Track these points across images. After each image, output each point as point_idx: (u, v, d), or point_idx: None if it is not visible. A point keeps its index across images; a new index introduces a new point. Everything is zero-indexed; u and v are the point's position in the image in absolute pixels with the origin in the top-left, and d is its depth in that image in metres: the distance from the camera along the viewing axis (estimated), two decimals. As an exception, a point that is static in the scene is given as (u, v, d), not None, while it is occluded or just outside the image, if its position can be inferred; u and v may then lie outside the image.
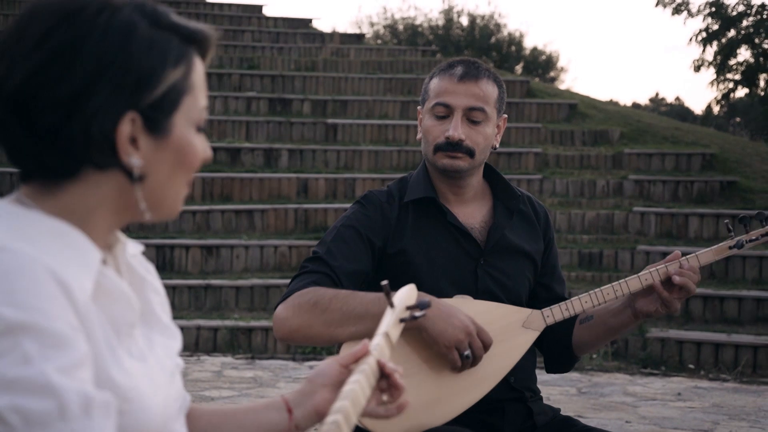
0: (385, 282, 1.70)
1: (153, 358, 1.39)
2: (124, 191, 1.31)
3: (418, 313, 1.74)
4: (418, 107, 2.68)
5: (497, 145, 2.65)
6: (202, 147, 1.38)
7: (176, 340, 1.49)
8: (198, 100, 1.37)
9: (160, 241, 8.69)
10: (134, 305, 1.35)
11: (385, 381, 1.59)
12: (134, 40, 1.28)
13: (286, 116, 11.39)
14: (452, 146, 2.55)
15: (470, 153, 2.55)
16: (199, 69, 1.37)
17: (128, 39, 1.28)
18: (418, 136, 2.66)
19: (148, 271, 1.49)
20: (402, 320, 1.72)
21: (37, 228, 1.26)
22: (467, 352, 2.37)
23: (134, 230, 8.95)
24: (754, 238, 2.59)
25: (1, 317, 1.14)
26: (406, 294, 1.79)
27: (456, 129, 2.54)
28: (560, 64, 32.57)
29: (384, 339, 1.62)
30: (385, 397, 1.60)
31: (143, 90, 1.28)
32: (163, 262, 8.56)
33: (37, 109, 1.25)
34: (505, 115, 2.68)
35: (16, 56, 1.25)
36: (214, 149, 10.34)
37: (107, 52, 1.26)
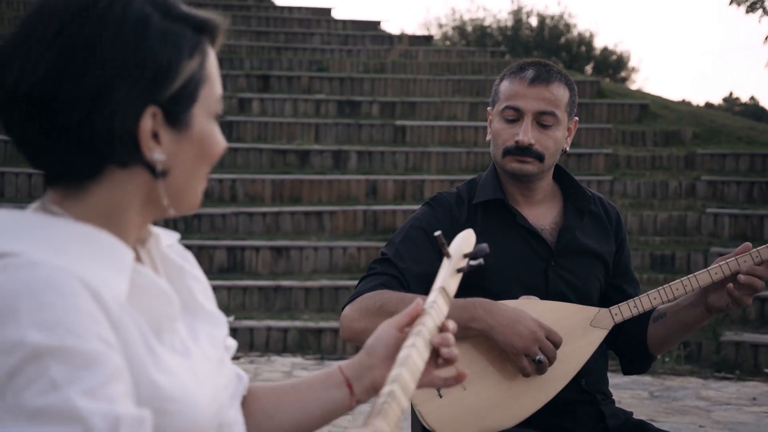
0: (438, 232, 1.66)
1: (198, 350, 1.37)
2: (149, 187, 1.30)
3: (474, 262, 1.67)
4: (488, 108, 2.67)
5: (568, 148, 2.63)
6: (220, 137, 1.37)
7: (221, 328, 1.47)
8: (214, 89, 1.35)
9: (231, 243, 8.78)
10: (173, 300, 1.33)
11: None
12: (149, 33, 1.26)
13: (354, 118, 11.43)
14: (521, 150, 2.53)
15: (539, 157, 2.53)
16: (212, 58, 1.35)
17: (143, 32, 1.26)
18: (488, 137, 2.64)
19: (186, 260, 1.47)
20: (459, 270, 1.65)
21: (65, 236, 1.24)
22: (539, 357, 2.35)
23: (205, 231, 9.06)
24: None
25: (28, 342, 1.11)
26: (463, 241, 1.71)
27: (526, 133, 2.52)
28: (631, 64, 32.20)
29: (440, 294, 1.57)
30: (440, 360, 1.55)
31: (162, 83, 1.27)
32: (234, 263, 8.64)
33: (58, 108, 1.23)
34: (576, 118, 2.65)
35: (29, 57, 1.23)
36: (284, 152, 10.43)
37: (124, 47, 1.24)
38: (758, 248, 2.45)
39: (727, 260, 2.44)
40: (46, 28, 1.24)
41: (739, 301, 2.42)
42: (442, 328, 1.54)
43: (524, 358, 2.36)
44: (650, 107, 12.19)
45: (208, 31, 1.34)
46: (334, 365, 1.60)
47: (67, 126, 1.23)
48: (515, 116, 2.55)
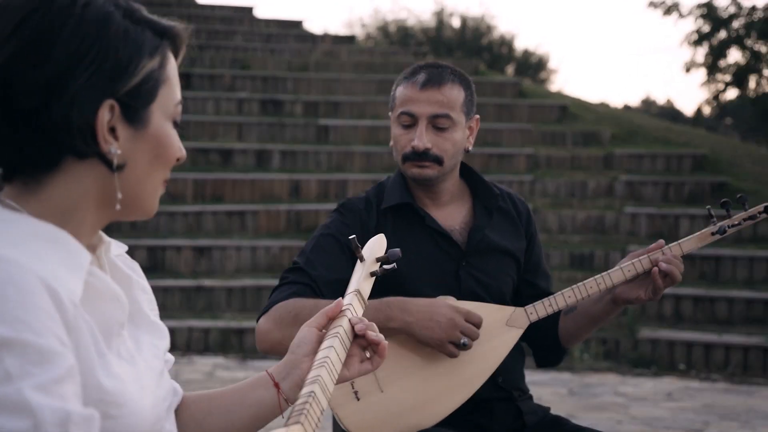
0: (352, 236, 1.68)
1: (141, 359, 1.39)
2: (105, 183, 1.31)
3: (388, 266, 1.70)
4: (389, 113, 2.67)
5: (470, 147, 2.64)
6: (178, 142, 1.39)
7: (164, 339, 1.49)
8: (173, 93, 1.38)
9: (152, 242, 8.68)
10: (125, 305, 1.35)
11: (363, 339, 1.57)
12: (110, 28, 1.30)
13: (278, 117, 11.39)
14: (419, 156, 2.54)
15: (438, 161, 2.54)
16: (173, 64, 1.39)
17: (104, 27, 1.29)
18: (391, 142, 2.64)
19: (133, 270, 1.49)
20: (372, 274, 1.68)
21: (24, 232, 1.25)
22: (464, 340, 2.38)
23: (125, 231, 8.94)
24: (736, 222, 2.54)
25: None
26: (376, 245, 1.74)
27: (420, 139, 2.52)
28: (551, 65, 32.60)
29: (355, 297, 1.61)
30: (368, 354, 1.59)
31: (121, 77, 1.30)
32: (155, 262, 8.55)
33: (14, 96, 1.25)
34: (477, 116, 2.66)
35: None
36: (206, 150, 10.35)
37: (84, 39, 1.27)
38: (669, 244, 2.51)
39: (640, 258, 2.49)
40: (9, 21, 1.27)
41: (656, 292, 2.46)
42: (354, 329, 1.57)
43: (447, 345, 2.38)
44: (570, 108, 12.37)
45: (169, 37, 1.38)
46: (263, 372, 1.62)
47: (25, 113, 1.26)
48: (410, 121, 2.55)
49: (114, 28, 1.30)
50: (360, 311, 1.61)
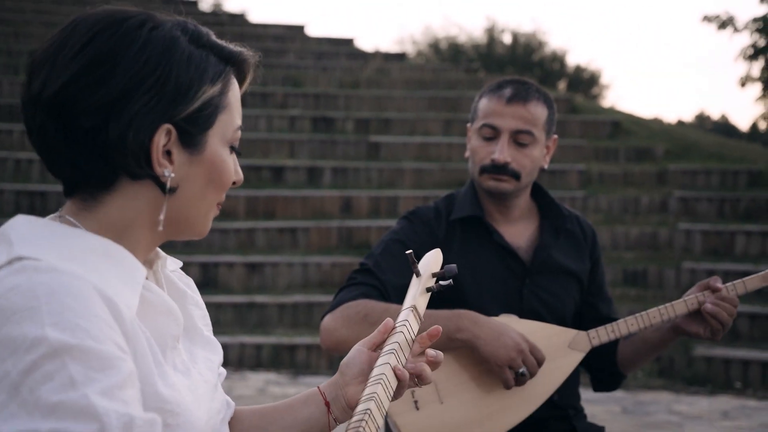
0: (409, 251, 1.66)
1: (196, 372, 1.41)
2: (158, 204, 1.33)
3: (444, 282, 1.68)
4: (468, 124, 2.68)
5: (546, 166, 2.64)
6: (234, 167, 1.40)
7: (218, 354, 1.51)
8: (233, 119, 1.39)
9: (205, 258, 8.75)
10: (179, 319, 1.37)
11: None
12: (174, 53, 1.31)
13: (329, 134, 11.44)
14: (498, 169, 2.54)
15: (516, 176, 2.54)
16: (235, 89, 1.40)
17: (169, 51, 1.31)
18: (467, 153, 2.65)
19: (188, 286, 1.51)
20: (428, 290, 1.66)
21: (82, 246, 1.27)
22: (522, 369, 2.36)
23: (180, 247, 9.02)
24: None
25: (48, 339, 1.14)
26: (432, 260, 1.71)
27: (502, 152, 2.53)
28: (603, 81, 32.41)
29: (411, 313, 1.59)
30: (415, 379, 1.54)
31: (180, 103, 1.31)
32: (208, 279, 8.62)
33: (75, 114, 1.27)
34: (555, 136, 2.66)
35: (58, 63, 1.28)
36: (258, 168, 10.42)
37: (147, 62, 1.29)
38: (734, 282, 2.48)
39: (704, 292, 2.47)
40: (78, 39, 1.29)
41: (715, 333, 2.45)
42: (416, 339, 1.56)
43: (507, 369, 2.37)
44: (622, 124, 12.28)
45: (234, 63, 1.39)
46: (314, 387, 1.61)
47: (84, 131, 1.27)
48: (492, 134, 2.56)
49: (178, 54, 1.31)
50: (416, 327, 1.59)
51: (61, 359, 1.14)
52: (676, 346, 7.44)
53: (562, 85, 27.23)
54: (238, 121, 1.40)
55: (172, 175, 1.31)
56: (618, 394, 6.69)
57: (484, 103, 2.60)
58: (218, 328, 7.81)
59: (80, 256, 1.25)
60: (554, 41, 47.11)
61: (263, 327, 8.07)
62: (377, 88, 12.88)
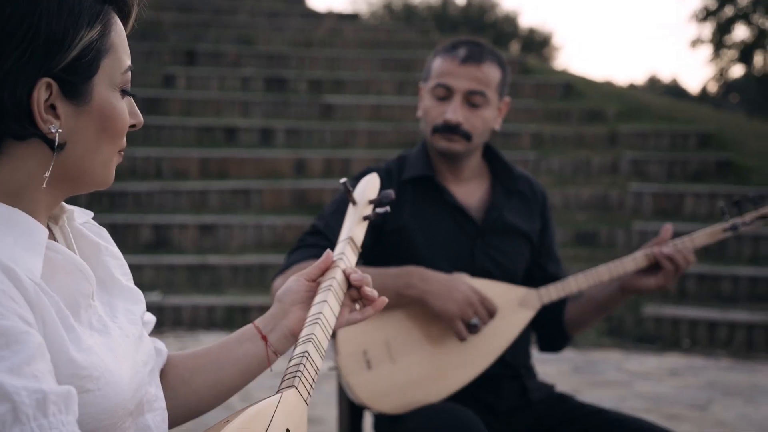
0: (343, 180, 1.63)
1: (116, 327, 1.36)
2: (50, 162, 1.26)
3: (381, 209, 1.64)
4: (420, 83, 2.67)
5: (498, 128, 2.65)
6: (127, 111, 1.33)
7: (139, 304, 1.46)
8: (120, 61, 1.31)
9: (157, 219, 8.69)
10: (89, 276, 1.31)
11: (355, 290, 1.54)
12: (40, 1, 1.22)
13: (282, 94, 11.37)
14: (450, 129, 2.54)
15: (467, 137, 2.55)
16: (119, 29, 1.31)
17: (33, 0, 1.22)
18: (419, 113, 2.65)
19: (101, 237, 1.45)
20: (365, 218, 1.62)
21: None
22: (474, 320, 2.38)
23: (131, 208, 8.95)
24: (748, 221, 2.58)
25: None
26: (368, 187, 1.67)
27: (455, 112, 2.53)
28: (555, 43, 32.49)
29: (348, 244, 1.56)
30: (357, 306, 1.56)
31: (55, 53, 1.23)
32: (160, 239, 8.56)
33: None
34: (508, 98, 2.67)
35: None
36: (211, 128, 10.34)
37: (13, 15, 1.20)
38: (681, 238, 2.53)
39: (653, 249, 2.51)
40: None
41: (667, 276, 2.49)
42: (348, 280, 1.53)
43: (459, 321, 2.38)
44: (574, 86, 12.33)
45: (113, 1, 1.31)
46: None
47: None
48: (445, 94, 2.56)
49: (45, 1, 1.22)
50: (353, 259, 1.57)
51: None
52: (626, 306, 7.54)
53: (514, 47, 27.26)
54: (127, 62, 1.32)
55: (60, 130, 1.25)
56: (568, 353, 6.78)
57: (437, 63, 2.60)
58: (171, 289, 7.81)
59: None
60: (507, 2, 47.10)
61: (216, 288, 8.05)
62: (330, 48, 12.81)
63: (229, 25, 13.50)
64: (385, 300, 1.56)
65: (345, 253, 1.54)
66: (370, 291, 1.54)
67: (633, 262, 2.52)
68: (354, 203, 1.61)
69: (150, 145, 9.79)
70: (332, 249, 2.45)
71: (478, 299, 2.40)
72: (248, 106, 10.99)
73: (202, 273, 8.13)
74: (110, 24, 1.29)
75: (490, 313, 2.41)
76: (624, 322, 7.52)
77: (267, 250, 8.64)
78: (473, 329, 2.40)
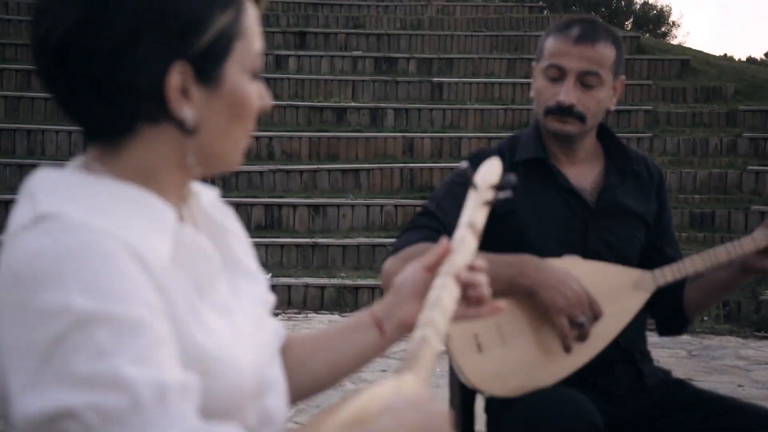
0: (465, 163, 1.58)
1: (239, 308, 1.36)
2: (182, 145, 1.28)
3: (503, 193, 1.60)
4: (533, 63, 2.62)
5: (613, 108, 2.58)
6: (258, 95, 1.34)
7: (259, 284, 1.46)
8: (251, 45, 1.31)
9: (268, 200, 8.81)
10: (214, 258, 1.32)
11: (471, 287, 1.49)
12: None
13: (391, 75, 11.38)
14: (563, 110, 2.49)
15: (581, 118, 2.49)
16: (250, 12, 1.32)
17: None
18: (532, 94, 2.60)
19: (227, 216, 1.46)
20: (487, 203, 1.57)
21: (106, 196, 1.22)
22: (581, 319, 2.33)
23: (243, 189, 9.09)
24: None
25: (73, 308, 1.10)
26: (489, 171, 1.62)
27: (568, 94, 2.47)
28: (671, 19, 31.77)
29: (468, 230, 1.52)
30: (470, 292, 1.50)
31: (190, 37, 1.23)
32: (271, 220, 8.68)
33: (78, 62, 1.21)
34: (623, 77, 2.59)
35: (61, 8, 1.22)
36: (321, 109, 10.42)
37: (150, 1, 1.22)
38: None
39: None
40: None
41: None
42: (471, 267, 1.50)
43: (564, 317, 2.34)
44: (691, 63, 12.03)
45: None
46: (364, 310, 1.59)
47: (91, 80, 1.22)
48: (558, 75, 2.50)
49: None
50: (474, 245, 1.52)
51: (88, 328, 1.10)
52: (743, 291, 7.34)
53: (629, 24, 26.75)
54: (258, 46, 1.33)
55: (192, 114, 1.26)
56: (684, 338, 6.63)
57: (550, 43, 2.54)
58: (282, 270, 7.92)
59: (106, 206, 1.20)
60: (621, -21, 46.20)
61: (327, 269, 8.12)
62: (440, 29, 12.76)
63: (339, 7, 13.57)
64: (499, 307, 1.53)
65: (465, 238, 1.51)
66: (475, 293, 1.49)
67: (752, 241, 2.43)
68: (475, 187, 1.57)
69: (261, 127, 9.92)
70: (444, 231, 2.46)
71: (587, 300, 2.34)
72: (358, 88, 11.03)
73: (312, 253, 8.21)
74: (242, 7, 1.30)
75: (596, 316, 2.36)
76: (741, 308, 7.32)
77: (376, 231, 8.67)
78: (579, 328, 2.34)
